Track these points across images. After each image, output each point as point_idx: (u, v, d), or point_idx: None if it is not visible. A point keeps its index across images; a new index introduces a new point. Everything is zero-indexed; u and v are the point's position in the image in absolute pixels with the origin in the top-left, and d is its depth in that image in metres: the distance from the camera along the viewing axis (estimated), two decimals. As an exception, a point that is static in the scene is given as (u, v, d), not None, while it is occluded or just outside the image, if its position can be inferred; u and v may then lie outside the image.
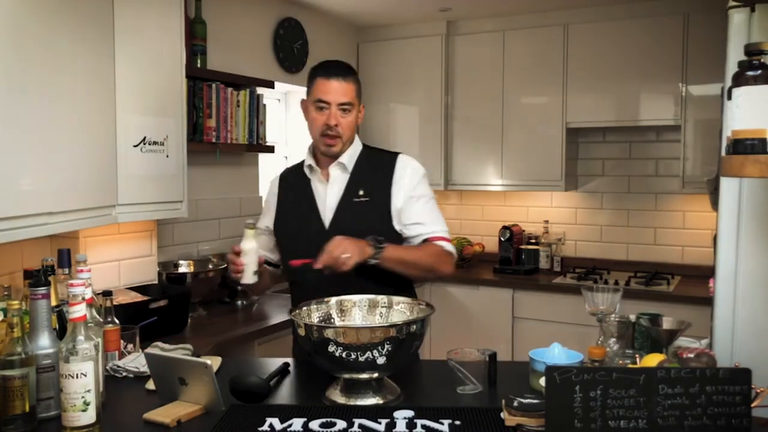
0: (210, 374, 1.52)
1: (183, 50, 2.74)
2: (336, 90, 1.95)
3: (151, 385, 1.72)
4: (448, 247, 2.01)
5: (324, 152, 2.01)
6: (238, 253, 1.87)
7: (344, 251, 1.77)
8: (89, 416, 1.41)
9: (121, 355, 1.92)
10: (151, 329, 2.31)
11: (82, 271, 1.68)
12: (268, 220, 2.16)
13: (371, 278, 1.91)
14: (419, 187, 2.03)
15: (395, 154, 2.09)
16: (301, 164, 2.13)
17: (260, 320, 2.94)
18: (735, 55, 1.62)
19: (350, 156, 2.04)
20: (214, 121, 3.19)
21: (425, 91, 4.37)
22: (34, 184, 2.00)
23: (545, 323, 3.81)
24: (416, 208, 2.01)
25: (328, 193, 2.03)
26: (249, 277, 1.87)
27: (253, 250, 1.86)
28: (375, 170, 2.05)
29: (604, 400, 1.28)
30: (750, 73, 1.32)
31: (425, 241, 1.99)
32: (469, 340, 3.75)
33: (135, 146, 2.51)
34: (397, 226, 2.01)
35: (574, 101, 4.00)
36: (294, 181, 2.13)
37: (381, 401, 1.60)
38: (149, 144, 2.56)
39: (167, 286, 2.85)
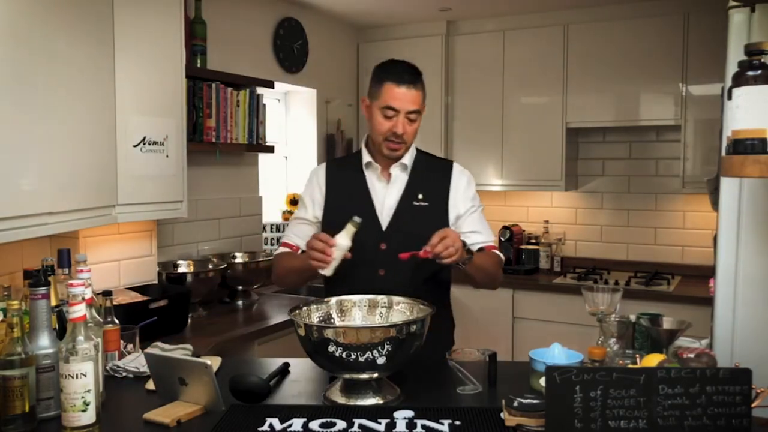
0: (210, 374, 1.53)
1: (183, 50, 2.74)
2: (405, 97, 1.95)
3: (151, 385, 1.71)
4: (501, 256, 2.11)
5: (387, 155, 2.01)
6: (329, 244, 1.79)
7: (454, 243, 1.76)
8: (89, 416, 1.41)
9: (121, 355, 1.92)
10: (151, 329, 2.31)
11: (81, 271, 1.68)
12: (317, 211, 2.08)
13: (429, 283, 1.98)
14: (476, 197, 2.10)
15: (450, 162, 2.14)
16: (349, 158, 2.12)
17: (260, 320, 2.94)
18: (735, 55, 1.62)
19: (410, 157, 2.06)
20: (214, 121, 3.19)
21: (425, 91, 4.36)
22: (34, 184, 1.99)
23: (545, 323, 3.81)
24: (474, 217, 2.07)
25: (388, 193, 2.03)
26: (330, 270, 1.82)
27: (347, 248, 1.81)
28: (432, 175, 2.07)
29: (604, 400, 1.28)
30: (750, 73, 1.32)
31: (480, 249, 2.02)
32: (469, 340, 3.74)
33: (135, 146, 2.51)
34: None
35: (574, 101, 3.99)
36: (345, 176, 2.08)
37: (381, 401, 1.59)
38: (149, 144, 2.56)
39: (167, 286, 2.85)
